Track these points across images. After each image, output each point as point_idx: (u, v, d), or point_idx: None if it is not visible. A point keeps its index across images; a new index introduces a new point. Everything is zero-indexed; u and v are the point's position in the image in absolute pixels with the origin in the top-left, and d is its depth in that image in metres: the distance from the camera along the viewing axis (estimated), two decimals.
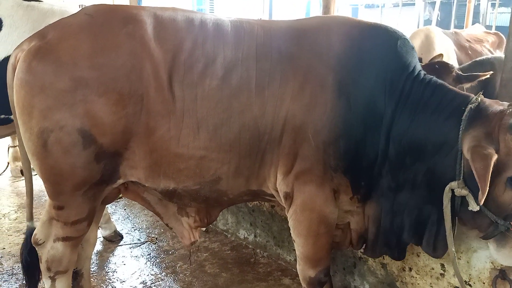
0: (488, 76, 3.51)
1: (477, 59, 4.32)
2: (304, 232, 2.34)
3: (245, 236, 3.89)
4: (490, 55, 4.55)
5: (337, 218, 2.35)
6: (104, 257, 3.67)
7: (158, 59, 2.15)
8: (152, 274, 3.41)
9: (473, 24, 9.09)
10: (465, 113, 1.96)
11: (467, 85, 3.64)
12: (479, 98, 2.01)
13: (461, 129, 1.96)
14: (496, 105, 1.97)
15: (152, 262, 3.58)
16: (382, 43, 2.25)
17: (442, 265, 2.47)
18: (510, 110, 1.86)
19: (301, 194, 2.26)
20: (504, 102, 1.98)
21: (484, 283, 2.29)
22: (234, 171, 2.28)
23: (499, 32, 5.85)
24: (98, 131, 2.11)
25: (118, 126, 2.13)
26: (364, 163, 2.20)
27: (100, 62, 2.10)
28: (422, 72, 2.24)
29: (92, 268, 3.46)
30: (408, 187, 2.17)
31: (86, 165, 2.15)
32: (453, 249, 2.06)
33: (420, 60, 4.51)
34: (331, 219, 2.30)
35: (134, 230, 4.15)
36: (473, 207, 1.94)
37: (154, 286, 3.25)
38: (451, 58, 4.65)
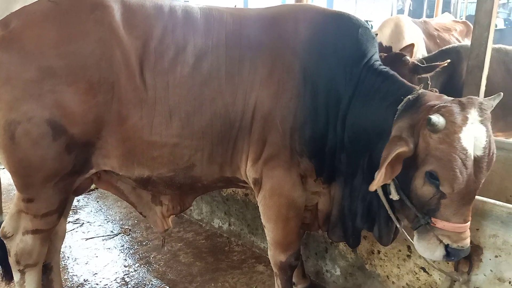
0: (444, 65, 3.58)
1: (444, 48, 4.41)
2: (274, 217, 2.38)
3: (220, 225, 3.91)
4: (456, 44, 4.65)
5: (306, 200, 2.39)
6: (75, 250, 3.63)
7: (128, 46, 2.12)
8: (125, 266, 3.39)
9: (443, 12, 9.27)
10: (402, 103, 1.96)
11: (427, 75, 3.71)
12: (420, 91, 1.98)
13: (394, 118, 1.98)
14: (435, 100, 1.90)
15: (125, 254, 3.57)
16: (345, 31, 2.28)
17: (408, 247, 2.54)
18: (440, 105, 1.80)
19: (269, 180, 2.29)
20: (447, 98, 1.92)
21: (448, 263, 2.37)
22: (207, 158, 2.30)
23: (467, 21, 5.97)
24: (68, 121, 2.08)
25: (89, 116, 2.10)
26: (327, 149, 2.24)
27: (68, 51, 2.06)
28: (378, 62, 2.28)
29: (64, 261, 3.42)
30: (360, 173, 2.21)
31: (56, 157, 2.12)
32: (406, 234, 2.06)
33: (391, 48, 4.62)
34: (299, 203, 2.34)
35: (107, 222, 4.12)
36: (393, 196, 1.98)
37: (127, 277, 3.24)
38: (420, 47, 4.73)
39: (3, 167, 2.30)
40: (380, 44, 4.56)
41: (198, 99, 2.19)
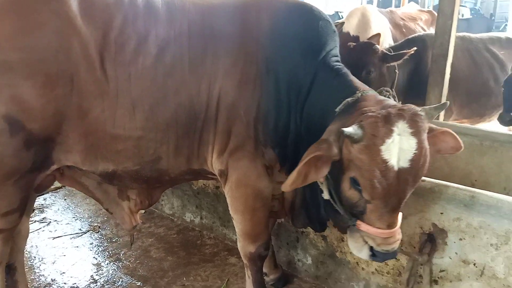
0: (411, 52, 3.64)
1: (409, 37, 4.47)
2: (241, 208, 2.37)
3: (191, 219, 3.87)
4: (422, 33, 4.73)
5: (273, 189, 2.39)
6: (42, 249, 3.53)
7: (86, 37, 2.05)
8: (94, 264, 3.32)
9: (409, 2, 9.41)
10: (340, 106, 1.94)
11: (395, 63, 3.77)
12: (360, 94, 1.95)
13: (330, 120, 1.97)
14: (373, 105, 1.85)
15: (94, 251, 3.49)
16: (306, 23, 2.27)
17: None
18: (366, 115, 1.76)
19: (235, 171, 2.27)
20: (387, 103, 1.85)
21: (414, 247, 2.42)
22: (173, 150, 2.26)
23: (432, 10, 6.08)
24: (26, 116, 2.00)
25: (48, 110, 2.03)
26: (289, 139, 2.24)
27: (24, 43, 1.98)
28: (335, 58, 2.27)
29: (30, 261, 3.33)
30: None
31: (15, 153, 2.04)
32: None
33: (358, 38, 4.65)
34: (266, 193, 2.33)
35: (75, 220, 4.02)
36: (325, 195, 2.02)
37: (97, 275, 3.18)
38: (387, 36, 4.79)
39: None
40: (348, 34, 4.60)
41: (161, 90, 2.15)
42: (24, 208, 2.31)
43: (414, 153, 1.70)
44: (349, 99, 1.94)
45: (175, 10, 2.25)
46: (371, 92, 2.00)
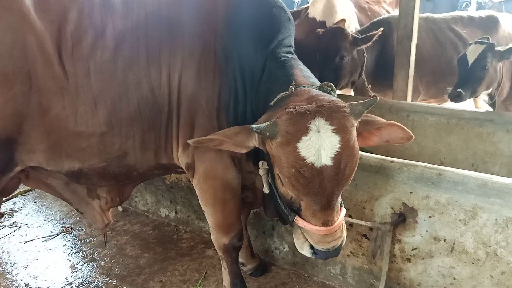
0: (379, 33, 3.67)
1: (375, 20, 4.50)
2: (211, 200, 2.35)
3: (166, 214, 3.83)
4: (386, 15, 4.76)
5: (243, 179, 2.37)
6: (14, 254, 3.43)
7: (41, 32, 1.99)
8: (68, 266, 3.25)
9: None
10: (274, 100, 1.90)
11: (364, 46, 3.79)
12: (293, 88, 1.90)
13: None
14: (302, 101, 1.79)
15: (67, 253, 3.41)
16: (259, 10, 2.23)
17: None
18: (284, 111, 1.71)
19: (202, 164, 2.25)
20: (320, 98, 1.77)
21: (387, 216, 2.45)
22: (140, 145, 2.23)
23: None
24: None
25: (6, 110, 1.97)
26: None
27: None
28: (286, 49, 2.23)
29: (1, 267, 3.23)
30: None
31: None
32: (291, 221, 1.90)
33: (324, 23, 4.64)
34: (234, 184, 2.32)
35: (47, 222, 3.91)
36: (265, 189, 1.99)
37: (71, 277, 3.11)
38: (352, 20, 4.80)
39: None
40: (314, 19, 4.58)
41: (122, 84, 2.10)
42: None
43: (338, 151, 1.64)
44: (283, 93, 1.90)
45: (131, 2, 2.20)
46: (308, 87, 1.93)
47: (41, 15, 1.99)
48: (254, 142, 1.84)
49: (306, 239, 1.84)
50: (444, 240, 2.29)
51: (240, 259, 2.81)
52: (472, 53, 3.30)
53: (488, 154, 3.27)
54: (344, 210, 1.84)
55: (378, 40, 3.86)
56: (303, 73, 2.09)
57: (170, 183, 3.67)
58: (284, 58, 2.17)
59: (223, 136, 1.83)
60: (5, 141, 2.03)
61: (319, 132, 1.63)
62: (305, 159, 1.62)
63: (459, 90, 3.22)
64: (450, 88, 3.30)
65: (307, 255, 1.87)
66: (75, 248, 3.47)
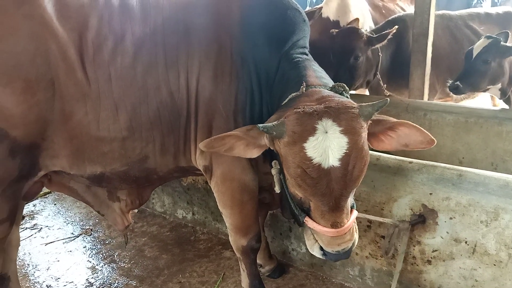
0: (394, 31, 3.64)
1: (390, 18, 4.47)
2: (229, 202, 2.36)
3: (184, 215, 3.86)
4: (402, 13, 4.72)
5: (261, 181, 2.38)
6: (36, 256, 3.49)
7: (63, 39, 2.02)
8: (88, 267, 3.30)
9: None
10: (285, 100, 1.91)
11: (379, 45, 3.77)
12: (303, 89, 1.89)
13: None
14: (312, 101, 1.79)
15: (88, 255, 3.46)
16: (274, 12, 2.25)
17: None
18: (293, 111, 1.71)
19: (219, 166, 2.27)
20: (330, 99, 1.77)
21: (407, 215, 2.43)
22: (160, 149, 2.25)
23: None
24: (8, 124, 1.97)
25: (30, 116, 2.00)
26: None
27: None
28: (300, 50, 2.23)
29: (24, 269, 3.29)
30: None
31: (0, 163, 2.01)
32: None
33: (338, 23, 4.62)
34: (252, 186, 2.33)
35: (67, 224, 3.98)
36: (276, 189, 1.97)
37: (92, 278, 3.16)
38: (367, 19, 4.76)
39: None
40: (327, 19, 4.56)
41: (142, 89, 2.13)
42: (14, 218, 2.28)
43: (345, 152, 1.62)
44: (294, 93, 1.90)
45: (149, 8, 2.22)
46: (319, 88, 1.93)
47: (62, 23, 2.03)
48: (265, 141, 1.84)
49: (316, 240, 1.84)
50: (466, 242, 2.26)
51: (258, 261, 2.82)
52: (478, 47, 3.27)
53: (508, 152, 3.22)
54: (355, 213, 1.83)
55: (393, 38, 3.83)
56: (316, 74, 2.09)
57: (187, 185, 3.70)
58: (297, 59, 2.17)
59: (237, 132, 1.84)
60: (29, 147, 2.07)
61: (326, 132, 1.63)
62: (312, 160, 1.63)
63: (457, 83, 3.22)
64: (451, 81, 3.29)
65: (318, 256, 1.88)
66: (95, 250, 3.52)
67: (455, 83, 3.23)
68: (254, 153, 1.89)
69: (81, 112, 2.08)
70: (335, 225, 1.74)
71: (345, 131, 1.64)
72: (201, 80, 2.17)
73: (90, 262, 3.36)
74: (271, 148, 1.85)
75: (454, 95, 3.68)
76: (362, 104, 1.71)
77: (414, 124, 1.80)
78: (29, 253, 3.53)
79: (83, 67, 2.05)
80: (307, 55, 2.28)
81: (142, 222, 3.92)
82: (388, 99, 1.72)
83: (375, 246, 2.61)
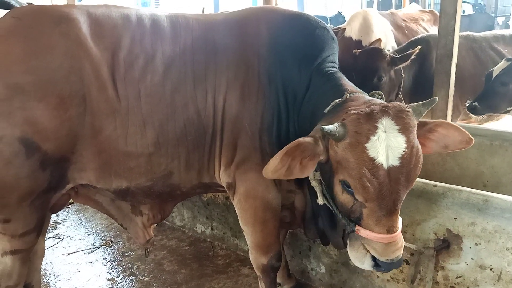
0: (417, 51, 3.64)
1: (413, 38, 4.47)
2: (251, 220, 2.37)
3: (202, 230, 3.88)
4: (425, 34, 4.72)
5: (282, 199, 2.39)
6: (57, 266, 3.55)
7: (97, 57, 2.09)
8: (108, 279, 3.33)
9: (410, 3, 9.40)
10: (328, 107, 1.93)
11: (403, 65, 3.77)
12: (347, 95, 1.94)
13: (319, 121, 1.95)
14: (360, 105, 1.81)
15: (108, 266, 3.50)
16: (302, 32, 2.30)
17: None
18: (349, 113, 1.75)
19: (243, 183, 2.29)
20: (375, 102, 1.82)
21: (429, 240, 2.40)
22: (184, 165, 2.28)
23: (433, 10, 6.07)
24: (40, 137, 2.03)
25: (61, 130, 2.06)
26: None
27: (35, 66, 2.02)
28: (330, 64, 2.27)
29: (46, 278, 3.34)
30: None
31: (31, 174, 2.07)
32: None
33: (360, 42, 4.65)
34: (275, 204, 2.34)
35: (88, 235, 4.04)
36: (319, 200, 1.95)
37: None
38: (389, 39, 4.78)
39: None
40: (350, 38, 4.60)
41: (170, 106, 2.18)
42: (40, 228, 2.33)
43: (404, 151, 1.66)
44: (337, 100, 1.94)
45: (179, 28, 2.29)
46: (360, 94, 1.98)
47: (97, 42, 2.10)
48: (321, 148, 1.82)
49: (368, 251, 1.82)
50: (491, 269, 2.22)
51: (277, 279, 2.81)
52: (497, 69, 3.26)
53: None
54: (400, 218, 1.83)
55: (416, 59, 3.83)
56: (351, 84, 2.15)
57: (207, 200, 3.73)
58: (330, 71, 2.22)
59: (291, 144, 1.80)
60: (59, 160, 2.13)
61: (385, 132, 1.65)
62: (374, 160, 1.64)
63: (475, 103, 3.22)
64: (470, 101, 3.28)
65: (367, 269, 1.86)
66: (115, 262, 3.56)
67: (473, 103, 3.24)
68: (310, 167, 1.86)
69: (110, 128, 2.14)
70: (391, 230, 1.75)
71: (402, 129, 1.67)
72: (228, 98, 2.21)
73: (110, 274, 3.40)
74: (321, 158, 1.84)
75: (474, 116, 3.66)
76: (413, 104, 1.75)
77: (452, 123, 1.84)
78: (51, 262, 3.59)
79: (114, 84, 2.11)
80: (337, 69, 2.31)
81: (161, 235, 3.95)
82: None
83: (397, 270, 2.58)
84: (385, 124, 1.66)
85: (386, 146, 1.65)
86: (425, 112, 1.77)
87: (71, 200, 3.80)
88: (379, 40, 4.20)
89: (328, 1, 18.81)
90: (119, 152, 2.17)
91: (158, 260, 3.55)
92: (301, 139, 1.82)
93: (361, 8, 17.36)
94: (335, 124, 1.70)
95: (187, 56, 2.22)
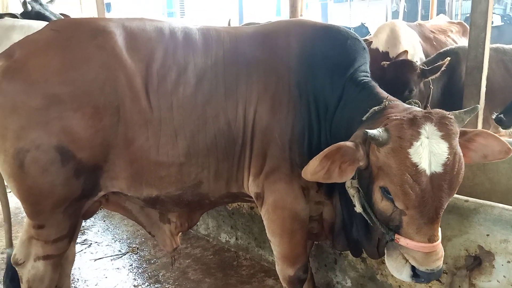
0: (447, 63, 3.60)
1: (441, 50, 4.42)
2: (278, 230, 2.38)
3: (227, 239, 3.90)
4: (454, 46, 4.66)
5: (310, 210, 2.39)
6: (85, 271, 3.62)
7: (131, 69, 2.15)
8: (134, 285, 3.38)
9: (439, 13, 9.30)
10: (367, 114, 1.94)
11: (432, 77, 3.73)
12: (387, 102, 1.95)
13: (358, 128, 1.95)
14: (400, 112, 1.83)
15: (134, 273, 3.55)
16: (333, 43, 2.32)
17: None
18: (390, 119, 1.76)
19: (271, 194, 2.30)
20: (415, 109, 1.84)
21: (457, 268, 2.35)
22: (214, 175, 2.32)
23: (462, 22, 6.00)
24: (75, 146, 2.09)
25: (96, 140, 2.12)
26: None
27: (72, 77, 2.08)
28: (363, 74, 2.28)
29: (74, 283, 3.41)
30: None
31: (65, 182, 2.13)
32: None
33: (387, 54, 4.63)
34: (303, 215, 2.34)
35: (115, 241, 4.11)
36: (357, 208, 1.93)
37: None
38: (417, 50, 4.75)
39: (9, 190, 2.30)
40: (377, 50, 4.59)
41: (201, 118, 2.22)
42: (73, 235, 2.40)
43: (447, 158, 1.65)
44: (376, 108, 1.95)
45: (211, 40, 2.34)
46: (399, 102, 2.00)
47: (131, 54, 2.16)
48: (361, 153, 1.82)
49: (407, 261, 1.80)
50: None
51: None
52: None
53: None
54: (440, 228, 1.81)
55: (445, 71, 3.78)
56: (385, 92, 2.16)
57: (232, 209, 3.75)
58: (364, 80, 2.23)
59: (333, 147, 1.80)
60: (93, 168, 2.19)
61: (428, 138, 1.65)
62: (417, 166, 1.64)
63: (501, 115, 3.15)
64: (497, 113, 3.22)
65: (406, 279, 1.84)
66: (140, 269, 3.61)
67: (499, 116, 3.19)
68: (349, 172, 1.85)
69: (143, 138, 2.18)
70: (432, 239, 1.73)
71: (445, 136, 1.67)
72: (259, 110, 2.23)
73: (136, 280, 3.45)
74: (360, 163, 1.84)
75: (502, 129, 3.58)
76: (455, 111, 1.75)
77: (491, 133, 1.82)
78: (79, 268, 3.66)
79: (147, 95, 2.16)
80: (369, 78, 2.32)
81: (186, 243, 3.98)
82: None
83: (426, 285, 2.54)
84: (428, 130, 1.67)
85: (429, 152, 1.65)
86: (467, 119, 1.76)
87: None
88: (405, 51, 4.18)
89: (352, 11, 18.77)
90: (151, 162, 2.22)
91: (183, 269, 3.58)
92: (341, 143, 1.83)
93: (386, 19, 17.25)
94: (378, 129, 1.70)
95: (218, 68, 2.26)
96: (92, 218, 4.56)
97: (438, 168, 1.65)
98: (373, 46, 4.68)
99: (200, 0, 21.44)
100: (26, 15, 4.73)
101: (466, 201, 2.33)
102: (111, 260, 3.78)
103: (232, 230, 3.83)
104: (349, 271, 2.96)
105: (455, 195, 2.37)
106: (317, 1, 24.72)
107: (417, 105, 1.99)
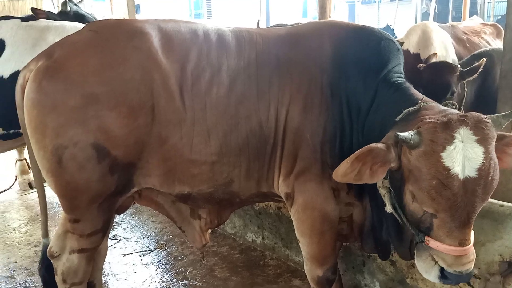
0: (483, 64, 3.52)
1: (475, 52, 4.33)
2: (308, 231, 2.39)
3: (253, 238, 3.92)
4: (488, 48, 4.55)
5: (340, 211, 2.39)
6: (115, 266, 3.71)
7: (166, 70, 2.19)
8: (163, 281, 3.44)
9: (470, 14, 9.10)
10: (401, 115, 1.93)
11: (470, 79, 3.66)
12: (421, 104, 1.94)
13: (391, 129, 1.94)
14: (434, 114, 1.82)
15: (162, 269, 3.62)
16: (366, 45, 2.31)
17: None
18: (424, 121, 1.74)
19: (302, 194, 2.31)
20: (450, 112, 1.82)
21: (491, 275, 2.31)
22: (245, 174, 2.35)
23: (496, 23, 5.84)
24: (111, 144, 2.16)
25: (130, 138, 2.18)
26: None
27: (109, 77, 2.14)
28: (397, 74, 2.27)
29: (104, 277, 3.49)
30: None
31: (101, 178, 2.20)
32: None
33: (418, 55, 4.55)
34: (333, 216, 2.35)
35: (143, 237, 4.19)
36: (388, 208, 1.92)
37: None
38: (450, 51, 4.65)
39: (46, 184, 2.38)
40: (407, 52, 4.51)
41: (234, 118, 2.25)
42: (107, 229, 2.47)
43: (482, 162, 1.62)
44: (410, 109, 1.93)
45: (243, 42, 2.37)
46: (434, 103, 1.97)
47: (166, 55, 2.21)
48: (393, 155, 1.82)
49: (436, 262, 1.80)
50: None
51: None
52: None
53: None
54: (472, 232, 1.79)
55: (478, 74, 3.70)
56: (419, 93, 2.14)
57: (259, 209, 3.77)
58: (397, 81, 2.22)
59: (364, 149, 1.80)
60: (127, 166, 2.25)
61: (462, 142, 1.63)
62: (450, 170, 1.62)
63: None
64: None
65: (433, 280, 1.84)
66: (168, 265, 3.67)
67: None
68: (380, 174, 1.85)
69: (176, 137, 2.23)
70: (463, 243, 1.72)
71: (480, 140, 1.65)
72: (291, 111, 2.25)
73: (164, 276, 3.51)
74: (392, 165, 1.83)
75: None
76: (493, 115, 1.72)
77: None
78: (109, 262, 3.75)
79: (181, 96, 2.20)
80: (403, 79, 2.30)
81: (212, 242, 4.02)
82: None
83: None
84: (463, 134, 1.64)
85: (463, 156, 1.62)
86: (505, 124, 1.73)
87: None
88: (435, 54, 4.10)
89: (380, 13, 18.55)
90: (184, 160, 2.26)
91: (210, 266, 3.63)
92: (373, 144, 1.83)
93: (416, 20, 16.97)
94: (410, 132, 1.70)
95: (251, 69, 2.29)
96: (121, 215, 4.65)
97: (472, 173, 1.63)
98: (404, 47, 4.61)
99: (227, 2, 21.61)
100: (64, 14, 4.85)
101: (501, 205, 2.28)
102: (140, 256, 3.86)
103: (259, 230, 3.85)
104: (378, 274, 2.93)
105: (490, 200, 2.33)
106: (344, 2, 24.55)
107: (454, 107, 1.97)
